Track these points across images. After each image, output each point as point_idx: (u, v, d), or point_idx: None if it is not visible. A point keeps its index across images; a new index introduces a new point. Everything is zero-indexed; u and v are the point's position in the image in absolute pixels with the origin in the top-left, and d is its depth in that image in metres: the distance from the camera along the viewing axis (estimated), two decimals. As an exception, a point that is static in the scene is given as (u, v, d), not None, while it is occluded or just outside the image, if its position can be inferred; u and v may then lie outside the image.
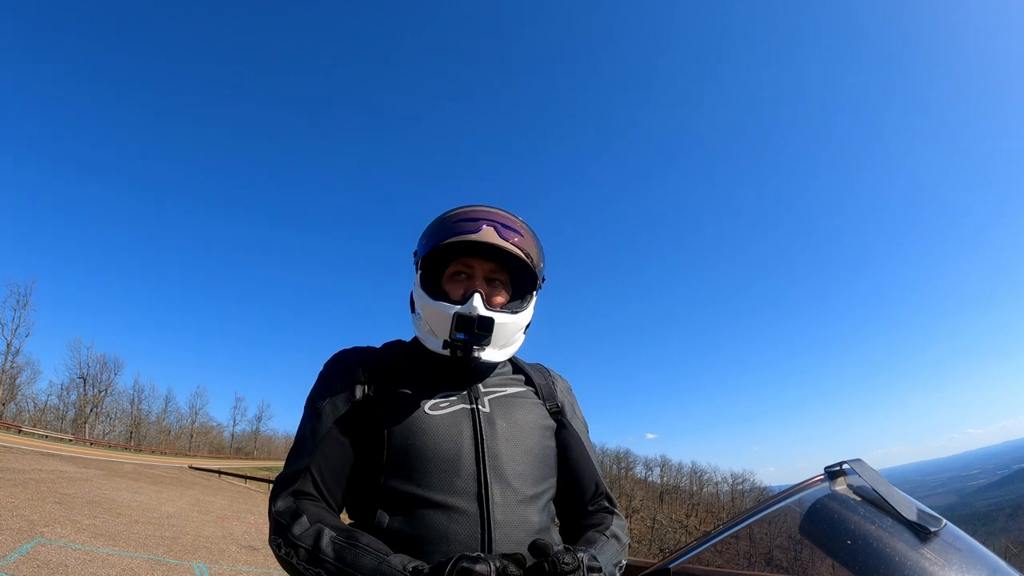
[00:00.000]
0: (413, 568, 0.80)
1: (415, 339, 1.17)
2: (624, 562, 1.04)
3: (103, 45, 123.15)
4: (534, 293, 1.15)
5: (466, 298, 1.04)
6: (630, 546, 1.10)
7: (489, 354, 1.03)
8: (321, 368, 1.10)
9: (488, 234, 1.05)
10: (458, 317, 1.00)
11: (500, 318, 1.03)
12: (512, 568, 0.76)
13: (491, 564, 0.75)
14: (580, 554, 0.80)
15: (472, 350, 1.01)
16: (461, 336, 0.99)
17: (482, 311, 1.01)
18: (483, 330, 0.99)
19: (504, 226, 1.07)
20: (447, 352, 1.02)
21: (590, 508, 1.14)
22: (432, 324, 1.05)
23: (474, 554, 0.77)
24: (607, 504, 1.15)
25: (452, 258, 1.10)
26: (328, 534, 0.87)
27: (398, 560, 0.82)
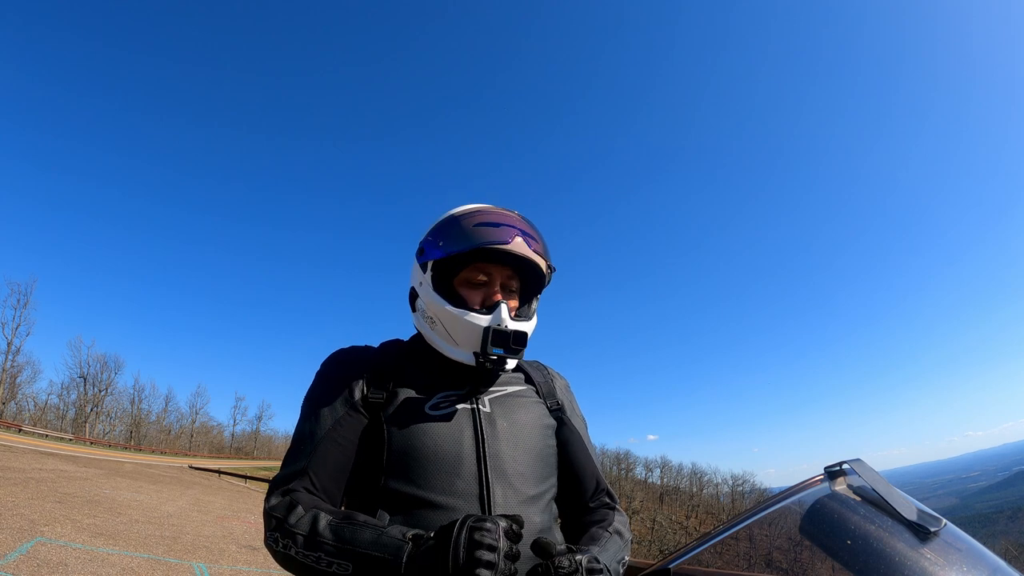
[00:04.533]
0: (413, 535, 0.80)
1: (413, 338, 1.16)
2: (627, 558, 1.04)
3: (103, 45, 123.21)
4: (537, 297, 1.16)
5: (488, 307, 1.03)
6: (631, 544, 1.10)
7: (510, 363, 1.05)
8: (318, 368, 1.09)
9: (519, 245, 1.03)
10: (494, 332, 0.99)
11: (526, 329, 1.03)
12: (515, 526, 0.77)
13: (498, 523, 0.75)
14: (579, 556, 0.80)
15: (505, 363, 1.02)
16: (499, 351, 0.99)
17: (514, 325, 1.02)
18: (518, 344, 1.00)
19: (528, 235, 1.05)
20: (473, 362, 1.01)
21: (591, 505, 1.14)
22: (454, 333, 1.03)
23: (482, 516, 0.77)
24: (608, 500, 1.15)
25: (467, 261, 1.06)
26: (325, 518, 0.87)
27: (396, 530, 0.82)
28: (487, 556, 0.71)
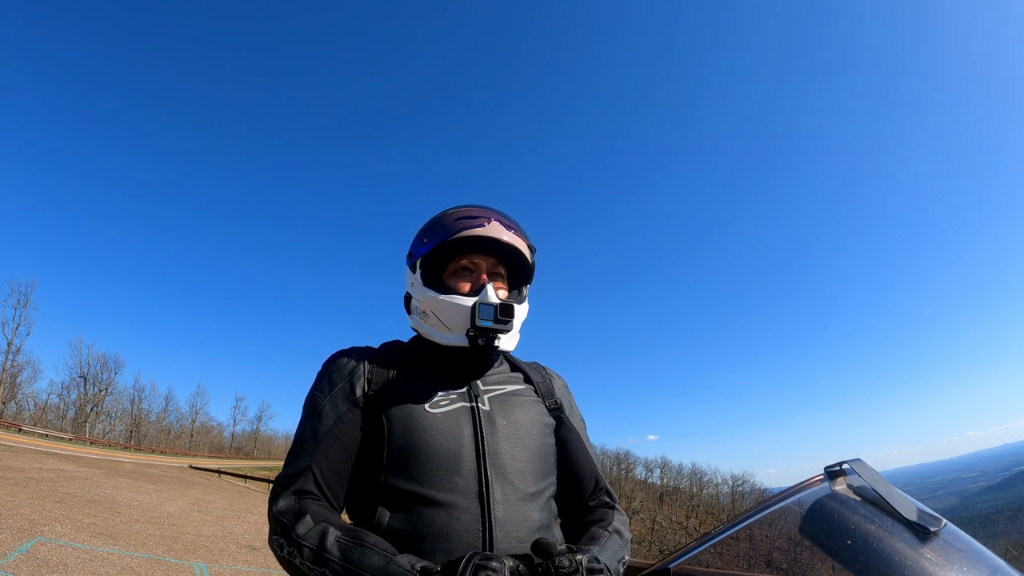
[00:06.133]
0: (421, 568, 0.80)
1: (413, 339, 1.18)
2: (627, 557, 1.04)
3: (103, 45, 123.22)
4: (528, 287, 1.18)
5: (476, 291, 1.07)
6: (630, 543, 1.11)
7: (504, 342, 1.07)
8: (320, 367, 1.11)
9: (495, 228, 1.07)
10: (480, 306, 1.02)
11: (515, 305, 1.06)
12: (523, 568, 0.78)
13: (504, 563, 0.76)
14: (579, 556, 0.80)
15: (495, 337, 1.04)
16: (486, 323, 1.02)
17: (499, 299, 1.05)
18: (505, 316, 1.03)
19: (506, 223, 1.10)
20: (467, 343, 1.03)
21: (591, 504, 1.14)
22: (445, 319, 1.06)
23: (485, 552, 0.78)
24: (607, 499, 1.15)
25: (453, 256, 1.11)
26: (333, 533, 0.87)
27: (406, 560, 0.82)
28: None
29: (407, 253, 1.17)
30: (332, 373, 1.08)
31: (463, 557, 0.78)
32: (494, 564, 0.76)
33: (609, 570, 0.85)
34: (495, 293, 1.06)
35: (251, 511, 13.67)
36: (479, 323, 1.02)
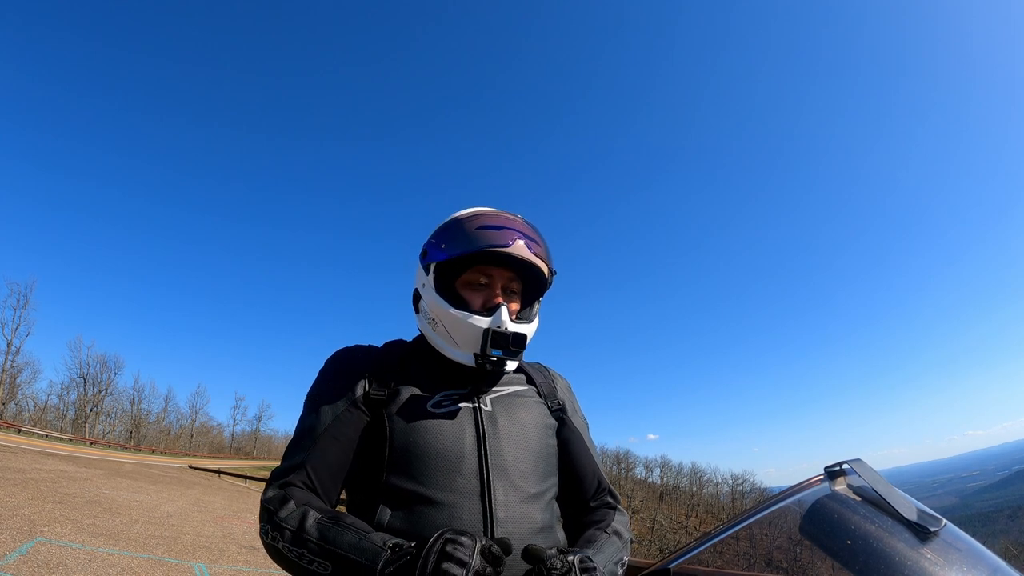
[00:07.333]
0: (393, 544, 0.81)
1: (416, 339, 1.18)
2: (626, 559, 1.04)
3: (103, 45, 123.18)
4: (539, 300, 1.16)
5: (489, 309, 1.04)
6: (631, 544, 1.11)
7: (510, 364, 1.06)
8: (322, 365, 1.11)
9: (520, 248, 1.03)
10: (493, 334, 1.00)
11: (526, 331, 1.04)
12: (496, 548, 0.78)
13: (476, 539, 0.77)
14: (571, 556, 0.81)
15: (504, 364, 1.03)
16: (497, 353, 1.00)
17: (514, 327, 1.03)
18: (517, 346, 1.01)
19: (530, 238, 1.06)
20: (473, 363, 1.03)
21: (592, 504, 1.14)
22: (455, 334, 1.04)
23: (460, 530, 0.79)
24: (609, 500, 1.16)
25: (469, 264, 1.08)
26: (313, 515, 0.88)
27: (379, 537, 0.83)
28: (455, 570, 0.73)
29: (421, 251, 1.13)
30: (334, 371, 1.08)
31: (436, 534, 0.78)
32: (464, 539, 0.76)
33: (601, 570, 0.86)
34: (509, 318, 1.03)
35: (251, 511, 13.65)
36: (490, 353, 1.00)
